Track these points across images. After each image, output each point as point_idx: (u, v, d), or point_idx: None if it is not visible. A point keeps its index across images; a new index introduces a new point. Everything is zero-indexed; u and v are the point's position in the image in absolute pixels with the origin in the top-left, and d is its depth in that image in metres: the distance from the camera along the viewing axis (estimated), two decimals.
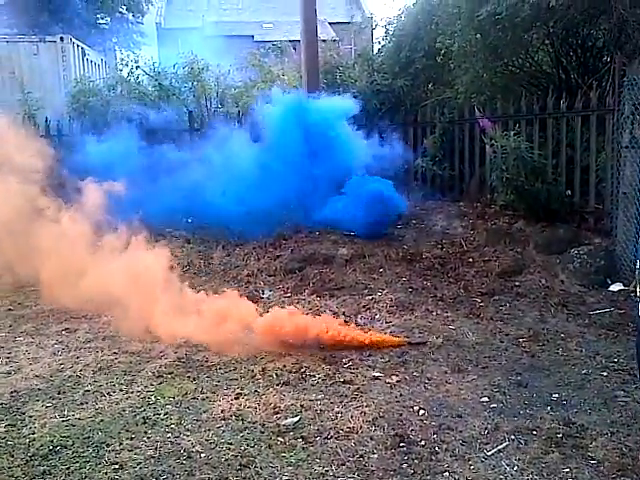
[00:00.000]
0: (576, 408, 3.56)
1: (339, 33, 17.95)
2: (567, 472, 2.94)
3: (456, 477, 2.92)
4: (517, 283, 5.97)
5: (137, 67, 10.05)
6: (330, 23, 19.81)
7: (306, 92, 8.34)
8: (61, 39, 11.11)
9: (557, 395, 3.73)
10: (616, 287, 5.69)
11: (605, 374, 4.01)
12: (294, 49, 12.75)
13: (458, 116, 8.36)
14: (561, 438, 3.21)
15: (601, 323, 4.96)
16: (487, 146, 7.38)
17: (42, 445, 3.26)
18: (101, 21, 18.90)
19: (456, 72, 8.14)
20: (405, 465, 3.02)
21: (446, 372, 4.09)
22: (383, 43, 10.43)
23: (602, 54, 7.96)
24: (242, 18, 23.05)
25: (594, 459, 3.04)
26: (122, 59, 11.00)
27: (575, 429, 3.30)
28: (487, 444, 3.19)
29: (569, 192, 6.98)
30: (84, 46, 12.06)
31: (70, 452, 3.19)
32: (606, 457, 3.04)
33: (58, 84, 10.84)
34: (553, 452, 3.09)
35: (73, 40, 11.32)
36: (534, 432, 3.29)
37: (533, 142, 7.05)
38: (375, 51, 11.01)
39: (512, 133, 6.87)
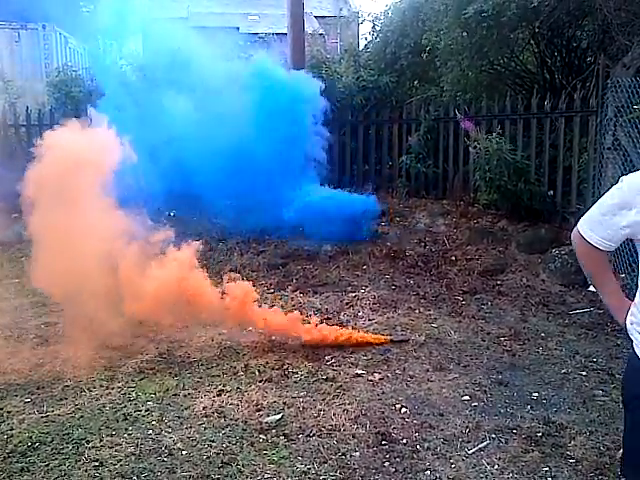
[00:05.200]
0: (556, 407, 3.60)
1: (325, 27, 17.88)
2: (546, 471, 2.97)
3: (437, 475, 2.94)
4: (499, 282, 6.02)
5: (121, 58, 9.90)
6: (316, 17, 19.72)
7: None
8: (43, 27, 10.94)
9: (537, 394, 3.77)
10: None
11: (584, 373, 4.06)
12: (280, 42, 12.67)
13: (443, 114, 8.37)
14: (541, 437, 3.25)
15: (580, 323, 5.02)
16: (470, 147, 7.42)
17: (20, 442, 3.21)
18: (84, 9, 18.62)
19: (442, 70, 8.17)
20: (387, 463, 3.03)
21: (428, 370, 4.10)
22: (369, 39, 10.43)
23: (586, 55, 8.04)
24: (227, 9, 22.86)
25: (573, 458, 3.07)
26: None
27: (554, 428, 3.34)
28: (468, 443, 3.21)
29: (551, 192, 7.06)
30: (67, 34, 11.88)
31: (49, 449, 3.15)
32: (584, 456, 3.08)
33: (40, 72, 10.68)
34: (533, 451, 3.12)
35: (55, 28, 11.14)
36: (514, 431, 3.32)
37: (517, 142, 7.10)
38: (361, 47, 10.99)
39: (494, 135, 6.91)
